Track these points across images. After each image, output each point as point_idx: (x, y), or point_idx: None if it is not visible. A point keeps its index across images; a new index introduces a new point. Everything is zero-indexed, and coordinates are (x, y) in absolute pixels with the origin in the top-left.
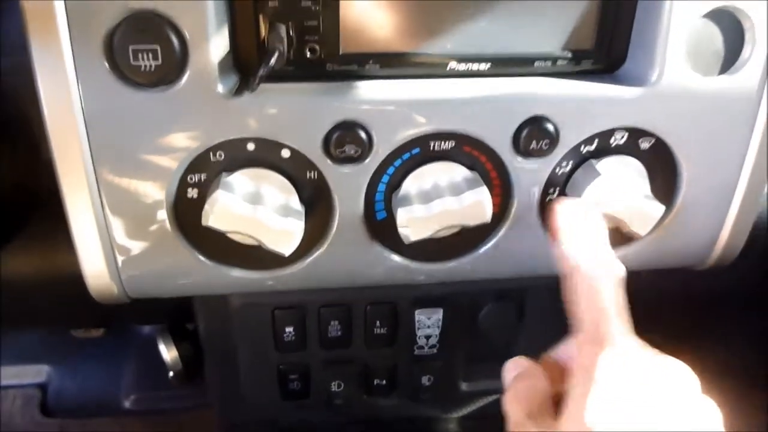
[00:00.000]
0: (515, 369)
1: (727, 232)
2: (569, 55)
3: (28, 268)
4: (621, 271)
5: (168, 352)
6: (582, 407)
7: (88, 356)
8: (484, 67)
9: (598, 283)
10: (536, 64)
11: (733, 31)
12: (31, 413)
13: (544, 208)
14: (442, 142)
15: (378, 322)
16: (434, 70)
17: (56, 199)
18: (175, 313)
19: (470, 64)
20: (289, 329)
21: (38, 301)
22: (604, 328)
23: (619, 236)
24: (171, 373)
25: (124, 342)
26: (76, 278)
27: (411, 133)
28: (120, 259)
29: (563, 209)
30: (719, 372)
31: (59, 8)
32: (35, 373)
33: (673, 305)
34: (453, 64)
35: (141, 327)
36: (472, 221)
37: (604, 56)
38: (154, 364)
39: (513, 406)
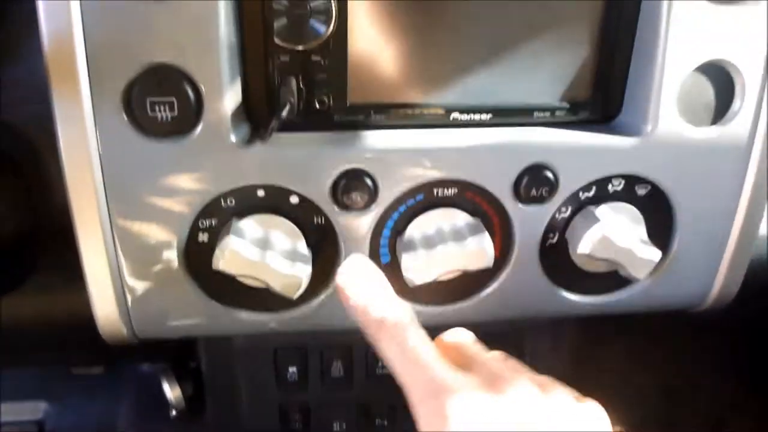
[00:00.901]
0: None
1: (722, 276)
2: (567, 105)
3: (37, 310)
4: (410, 312)
5: (171, 391)
6: None
7: (87, 393)
8: (485, 117)
9: (404, 332)
10: (535, 114)
11: (723, 84)
12: None
13: (545, 252)
14: (445, 189)
15: (380, 363)
16: (438, 120)
17: (66, 243)
18: (178, 351)
19: (472, 114)
20: (291, 369)
21: (44, 342)
22: (432, 379)
23: (618, 279)
24: (173, 412)
25: (123, 379)
26: (83, 319)
27: (415, 180)
28: (130, 301)
29: (342, 269)
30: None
31: (80, 60)
32: (32, 409)
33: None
34: (456, 115)
35: (140, 364)
36: (475, 266)
37: (600, 107)
38: (152, 401)
39: None
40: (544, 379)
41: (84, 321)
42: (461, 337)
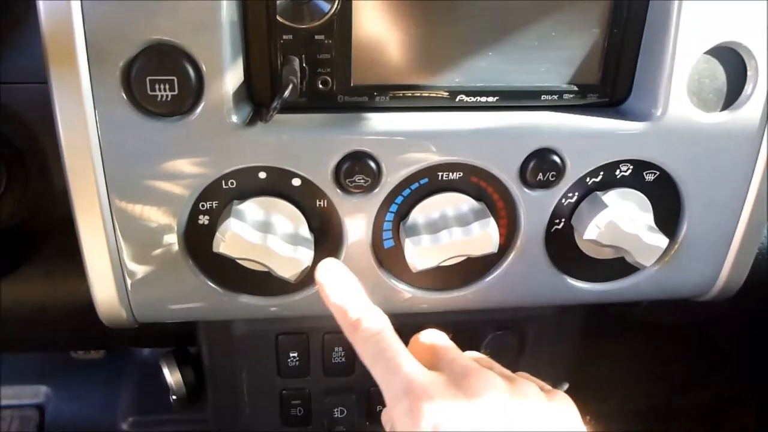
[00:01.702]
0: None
1: (729, 264)
2: (575, 89)
3: (36, 294)
4: (384, 317)
5: (171, 377)
6: None
7: (87, 378)
8: (491, 100)
9: (379, 335)
10: (543, 97)
11: (735, 68)
12: None
13: (550, 238)
14: (450, 173)
15: None
16: (443, 102)
17: (66, 228)
18: (178, 337)
19: (478, 97)
20: (293, 355)
21: (44, 326)
22: (405, 379)
23: (624, 266)
24: (174, 398)
25: (124, 364)
26: (82, 303)
27: (420, 163)
28: (130, 284)
29: (321, 269)
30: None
31: (79, 39)
32: (33, 393)
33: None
34: (461, 97)
35: (141, 349)
36: (479, 251)
37: (609, 91)
38: (152, 386)
39: None
40: (515, 375)
41: (84, 304)
42: (435, 338)
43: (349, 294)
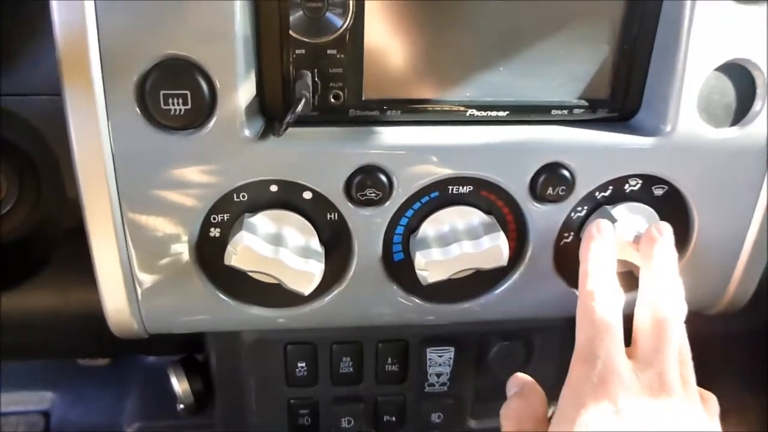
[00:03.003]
0: (515, 386)
1: (737, 279)
2: (585, 103)
3: (45, 304)
4: (622, 300)
5: (179, 385)
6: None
7: (93, 384)
8: (502, 114)
9: (596, 301)
10: (553, 112)
11: (744, 84)
12: None
13: (559, 251)
14: (461, 187)
15: (389, 359)
16: (454, 116)
17: (76, 238)
18: (185, 345)
19: (489, 111)
20: (301, 364)
21: (53, 335)
22: (597, 346)
23: (632, 279)
24: (181, 406)
25: (129, 371)
26: (92, 313)
27: (430, 177)
28: (141, 295)
29: (598, 226)
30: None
31: (93, 52)
32: (39, 400)
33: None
34: (472, 111)
35: (147, 357)
36: (489, 265)
37: (618, 105)
38: (158, 393)
39: (505, 423)
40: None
41: (92, 313)
42: (671, 326)
43: (602, 264)
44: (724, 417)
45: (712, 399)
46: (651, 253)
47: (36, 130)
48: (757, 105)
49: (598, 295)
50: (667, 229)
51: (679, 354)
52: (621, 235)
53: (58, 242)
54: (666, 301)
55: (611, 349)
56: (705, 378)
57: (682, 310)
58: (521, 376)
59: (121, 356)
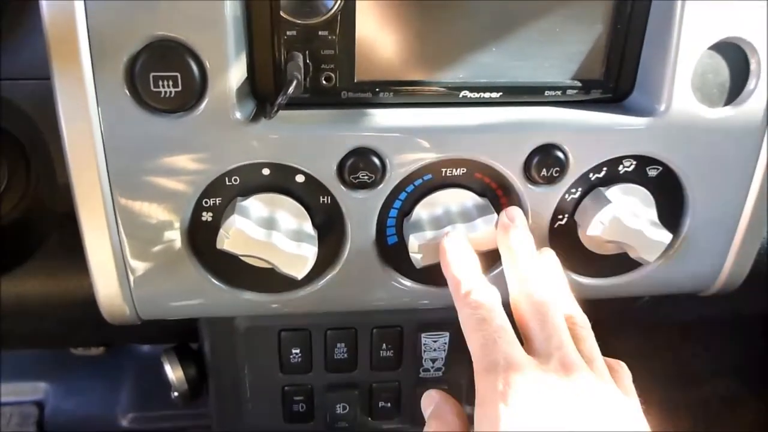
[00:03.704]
0: (428, 405)
1: (731, 259)
2: (579, 84)
3: (38, 290)
4: (499, 295)
5: (174, 373)
6: None
7: (87, 374)
8: (495, 95)
9: (474, 305)
10: (546, 93)
11: (738, 63)
12: (28, 431)
13: (554, 234)
14: (454, 169)
15: (384, 345)
16: (447, 98)
17: (68, 224)
18: (179, 333)
19: (482, 92)
20: (295, 351)
21: (46, 322)
22: (493, 351)
23: (628, 262)
24: (175, 394)
25: (123, 360)
26: (84, 300)
27: (423, 159)
28: (133, 281)
29: (449, 241)
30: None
31: (82, 34)
32: (33, 390)
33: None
34: (465, 93)
35: (140, 345)
36: (483, 247)
37: (612, 86)
38: (152, 382)
39: None
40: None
41: (85, 300)
42: (551, 307)
43: (466, 268)
44: (720, 408)
45: (622, 368)
46: (507, 242)
47: (26, 115)
48: (751, 84)
49: (474, 296)
50: (518, 214)
51: (575, 331)
52: (616, 216)
53: (50, 228)
54: (536, 285)
55: (508, 351)
56: (697, 367)
57: (558, 287)
58: (433, 394)
59: (115, 346)
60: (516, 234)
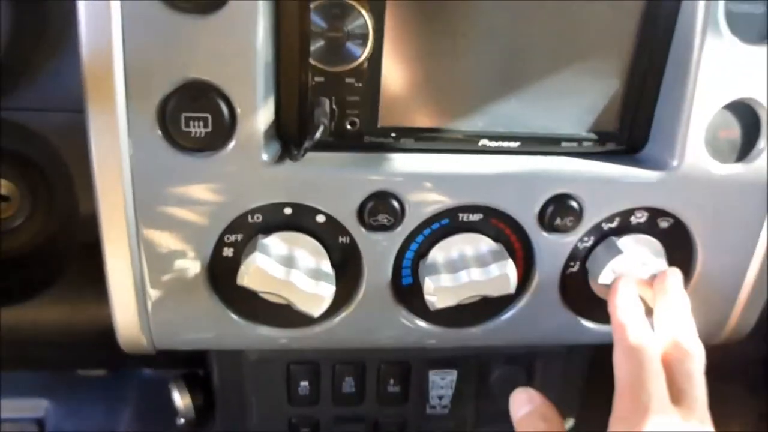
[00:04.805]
0: (527, 404)
1: (738, 311)
2: (594, 136)
3: (55, 319)
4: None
5: (181, 399)
6: None
7: (89, 394)
8: (513, 145)
9: (640, 352)
10: (563, 144)
11: (749, 122)
12: None
13: (565, 280)
14: (471, 215)
15: (392, 380)
16: (466, 145)
17: (88, 254)
18: (188, 359)
19: (500, 141)
20: (303, 383)
21: (60, 349)
22: (643, 379)
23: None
24: (182, 420)
25: (126, 382)
26: (99, 328)
27: (441, 204)
28: (152, 311)
29: (623, 286)
30: None
31: (118, 72)
32: (33, 407)
33: None
34: (484, 141)
35: (145, 369)
36: (497, 292)
37: (627, 139)
38: (155, 406)
39: None
40: None
41: (98, 328)
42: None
43: (634, 316)
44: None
45: None
46: (665, 288)
47: (51, 146)
48: (761, 143)
49: (631, 328)
50: (678, 271)
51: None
52: (627, 266)
53: (71, 258)
54: (687, 336)
55: (655, 384)
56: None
57: (701, 350)
58: (532, 393)
59: (118, 368)
60: (675, 281)
